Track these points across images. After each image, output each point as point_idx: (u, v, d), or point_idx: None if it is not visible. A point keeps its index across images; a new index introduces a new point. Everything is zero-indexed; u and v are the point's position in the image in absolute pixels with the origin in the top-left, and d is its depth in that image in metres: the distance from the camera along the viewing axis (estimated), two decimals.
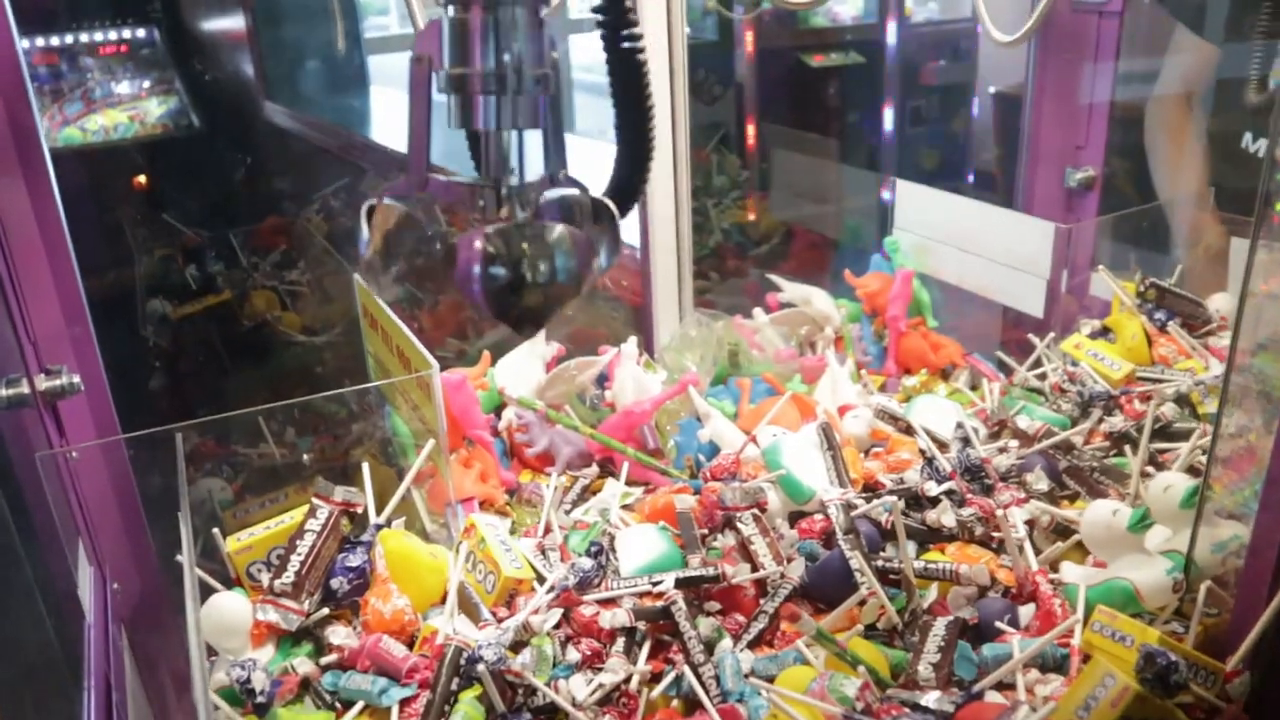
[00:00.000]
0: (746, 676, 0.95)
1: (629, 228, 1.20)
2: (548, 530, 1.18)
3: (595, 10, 0.72)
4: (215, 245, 1.83)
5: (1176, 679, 0.81)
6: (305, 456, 1.29)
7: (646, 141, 0.76)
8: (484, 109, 0.72)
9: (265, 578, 1.03)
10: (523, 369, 1.48)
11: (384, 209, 0.77)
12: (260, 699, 0.92)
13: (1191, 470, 1.16)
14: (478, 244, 0.72)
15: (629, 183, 0.79)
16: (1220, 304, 1.60)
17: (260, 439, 1.32)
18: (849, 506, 1.11)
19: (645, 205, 1.66)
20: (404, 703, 0.92)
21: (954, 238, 1.76)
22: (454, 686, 0.92)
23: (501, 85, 0.71)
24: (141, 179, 2.02)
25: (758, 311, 1.63)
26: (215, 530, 1.06)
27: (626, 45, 0.73)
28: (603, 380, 1.54)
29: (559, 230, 0.74)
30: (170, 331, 1.67)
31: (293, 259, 1.86)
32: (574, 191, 0.77)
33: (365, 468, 1.11)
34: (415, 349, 1.17)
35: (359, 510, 1.08)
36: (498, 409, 1.46)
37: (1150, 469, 1.21)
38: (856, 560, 1.02)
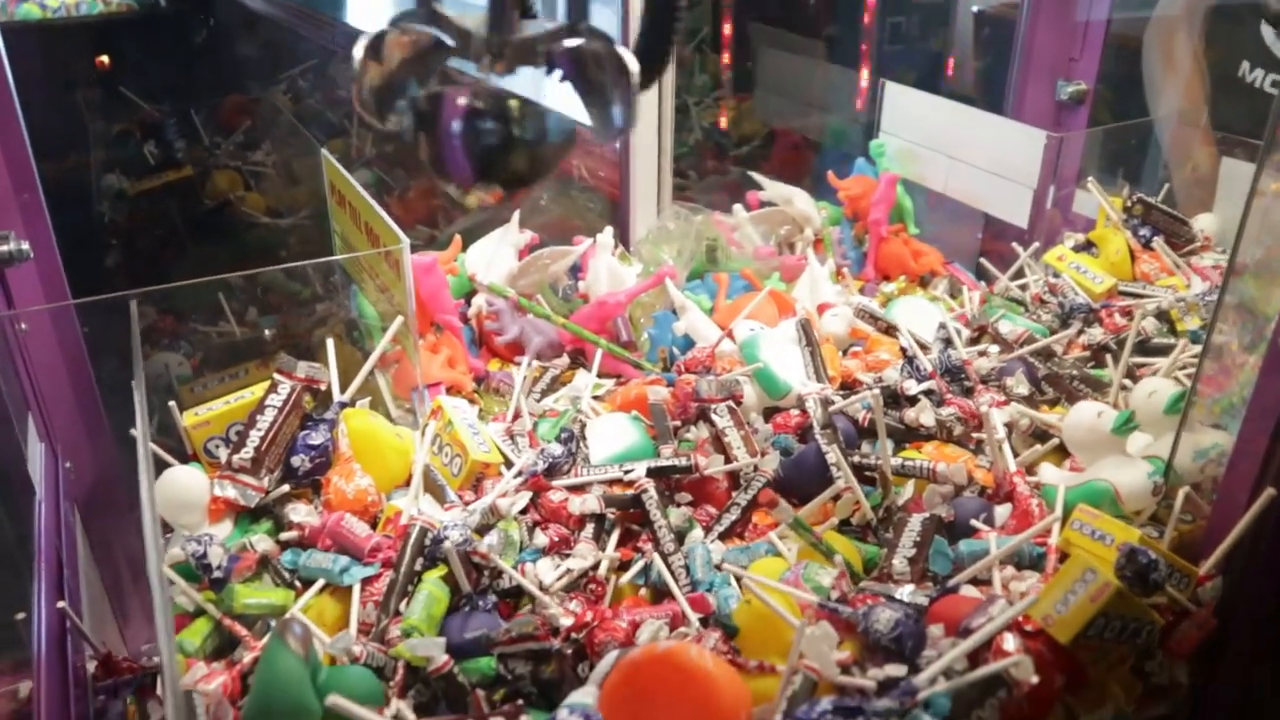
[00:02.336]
0: (717, 567, 0.93)
1: None
2: (516, 416, 1.15)
3: None
4: (176, 122, 1.75)
5: (1155, 578, 0.80)
6: (267, 333, 1.24)
7: (674, 7, 0.69)
8: None
9: (223, 454, 1.00)
10: (494, 256, 1.44)
11: (399, 35, 0.70)
12: (217, 574, 0.89)
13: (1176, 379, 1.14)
14: (461, 100, 0.66)
15: (655, 50, 0.71)
16: (1205, 224, 1.58)
17: (220, 316, 1.27)
18: (827, 402, 1.09)
19: None
20: (366, 582, 0.90)
21: (941, 143, 1.72)
22: (418, 567, 0.89)
23: None
24: (103, 57, 1.93)
25: (737, 208, 1.59)
26: (171, 404, 1.01)
27: None
28: (576, 271, 1.50)
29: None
30: (127, 207, 1.60)
31: (257, 139, 1.79)
32: (589, 42, 0.70)
33: (330, 344, 1.06)
34: (385, 225, 1.12)
35: (322, 387, 1.04)
36: (467, 295, 1.42)
37: (1128, 381, 1.20)
38: (833, 454, 1.00)
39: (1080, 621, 0.75)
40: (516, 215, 1.49)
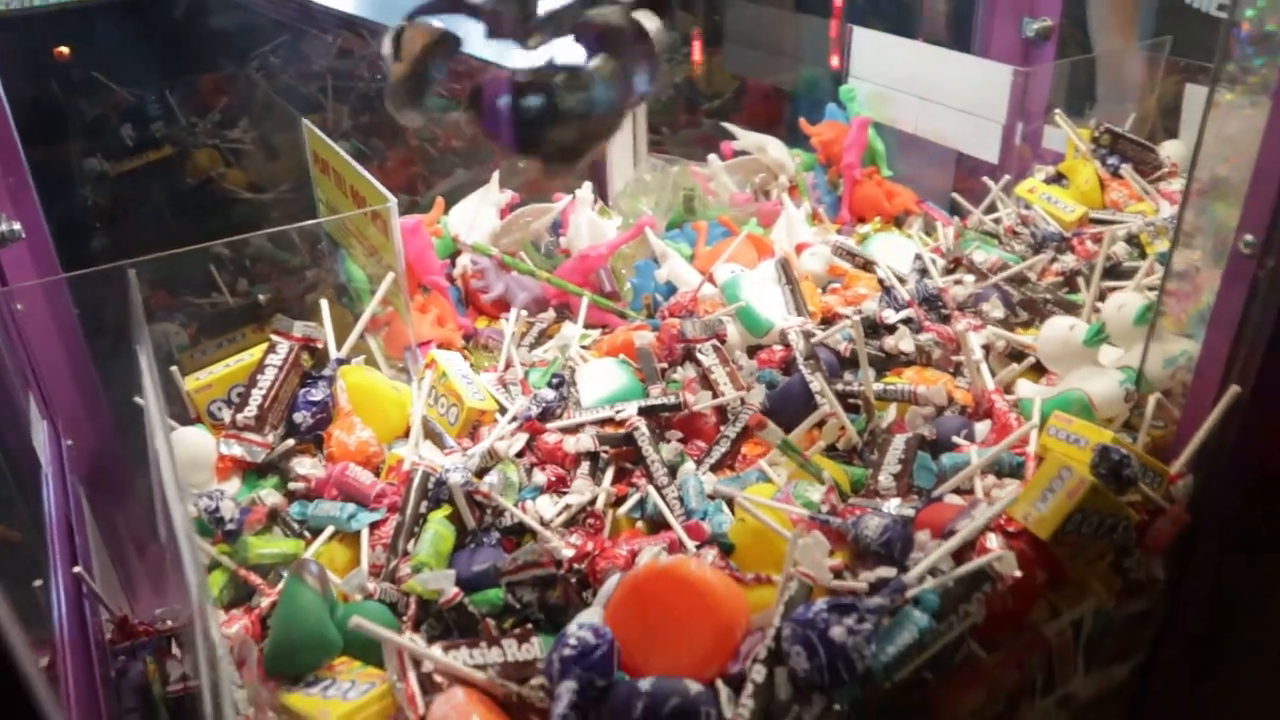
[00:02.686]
0: (710, 497, 0.97)
1: None
2: (508, 366, 1.18)
3: None
4: (152, 104, 1.76)
5: (1129, 473, 0.84)
6: (260, 298, 1.27)
7: None
8: None
9: (227, 415, 1.03)
10: (477, 216, 1.46)
11: (414, 29, 0.72)
12: (230, 526, 0.92)
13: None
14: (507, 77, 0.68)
15: None
16: (1171, 150, 1.61)
17: (213, 288, 1.29)
18: (808, 334, 1.12)
19: None
20: (373, 527, 0.93)
21: (910, 85, 1.75)
22: (422, 509, 0.93)
23: None
24: (71, 44, 1.93)
25: (712, 158, 1.62)
26: (173, 369, 1.04)
27: None
28: (557, 227, 1.52)
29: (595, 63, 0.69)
30: (110, 189, 1.62)
31: (234, 116, 1.81)
32: (609, 11, 0.71)
33: (324, 304, 1.09)
34: (371, 186, 1.15)
35: (319, 345, 1.07)
36: (452, 256, 1.44)
37: (1100, 304, 1.24)
38: (817, 382, 1.04)
39: (1059, 517, 0.79)
40: (496, 176, 1.51)
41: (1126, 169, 1.55)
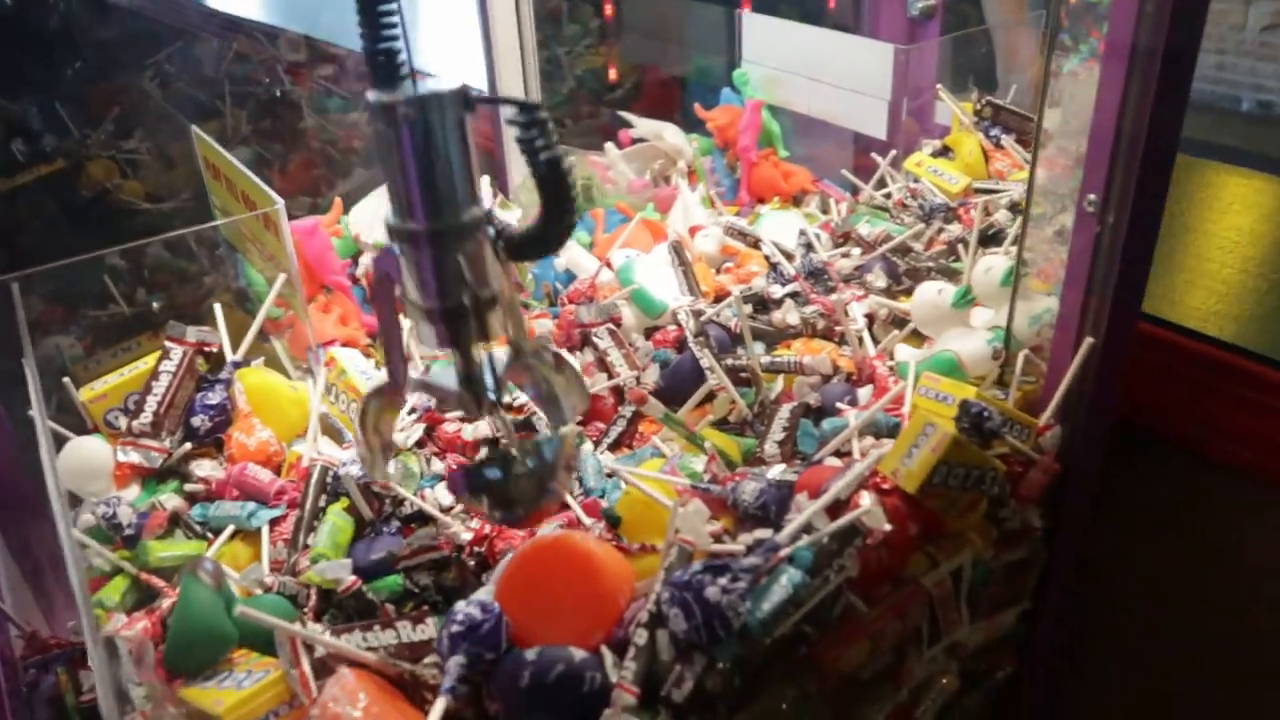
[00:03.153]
0: (609, 476, 1.00)
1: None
2: (407, 360, 1.19)
3: (515, 124, 0.70)
4: (40, 116, 1.74)
5: (990, 426, 0.89)
6: (155, 305, 1.27)
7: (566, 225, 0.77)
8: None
9: (123, 423, 1.03)
10: (377, 215, 1.47)
11: (373, 408, 0.82)
12: (128, 532, 0.93)
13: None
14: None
15: (552, 235, 0.79)
16: (1049, 121, 1.67)
17: (109, 300, 1.29)
18: (698, 313, 1.16)
19: (491, 52, 1.65)
20: (274, 523, 0.95)
21: (801, 67, 1.79)
22: (322, 503, 0.95)
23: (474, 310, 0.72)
24: None
25: (609, 146, 1.64)
26: (65, 380, 1.04)
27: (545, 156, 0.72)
28: None
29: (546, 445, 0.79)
30: (2, 206, 1.60)
31: (129, 126, 1.79)
32: (539, 361, 0.81)
33: (218, 308, 1.10)
34: (258, 188, 1.16)
35: (214, 349, 1.07)
36: (354, 255, 1.45)
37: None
38: (706, 359, 1.07)
39: (924, 471, 0.83)
40: None
41: (1008, 140, 1.61)
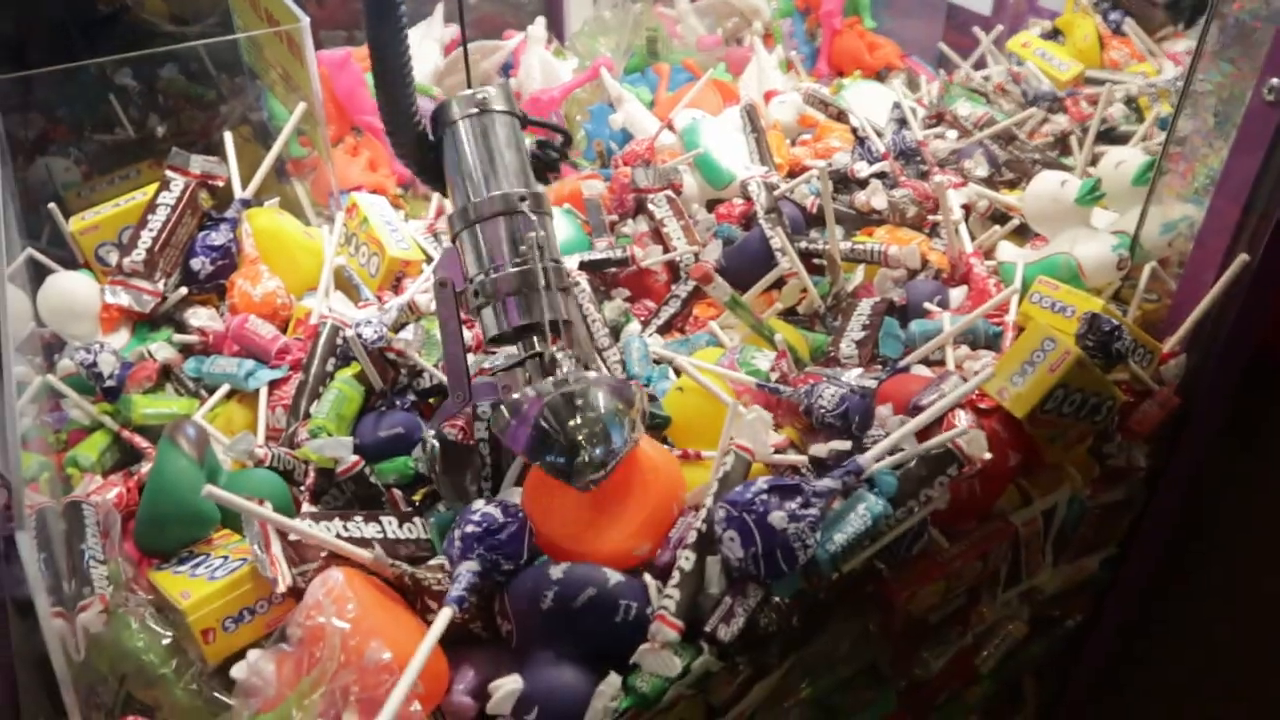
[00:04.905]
0: (656, 362, 0.87)
1: None
2: (439, 214, 1.06)
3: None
4: None
5: (1119, 347, 0.74)
6: (159, 129, 1.13)
7: None
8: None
9: (115, 259, 0.91)
10: (417, 53, 1.31)
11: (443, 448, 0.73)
12: (109, 384, 0.81)
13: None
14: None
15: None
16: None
17: (116, 123, 1.15)
18: (771, 186, 1.01)
19: None
20: (274, 385, 0.83)
21: None
22: (329, 367, 0.82)
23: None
24: None
25: None
26: (52, 206, 0.92)
27: None
28: (508, 68, 1.38)
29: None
30: (10, 13, 1.45)
31: None
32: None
33: (228, 136, 0.96)
34: (283, 5, 1.01)
35: (220, 184, 0.94)
36: None
37: (1092, 169, 1.13)
38: (778, 239, 0.93)
39: (1038, 394, 0.70)
40: (440, 8, 1.36)
41: (1129, 24, 1.42)
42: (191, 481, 0.66)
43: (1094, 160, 1.14)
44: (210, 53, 1.34)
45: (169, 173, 0.92)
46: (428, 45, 1.33)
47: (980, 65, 1.45)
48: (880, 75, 1.52)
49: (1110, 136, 1.21)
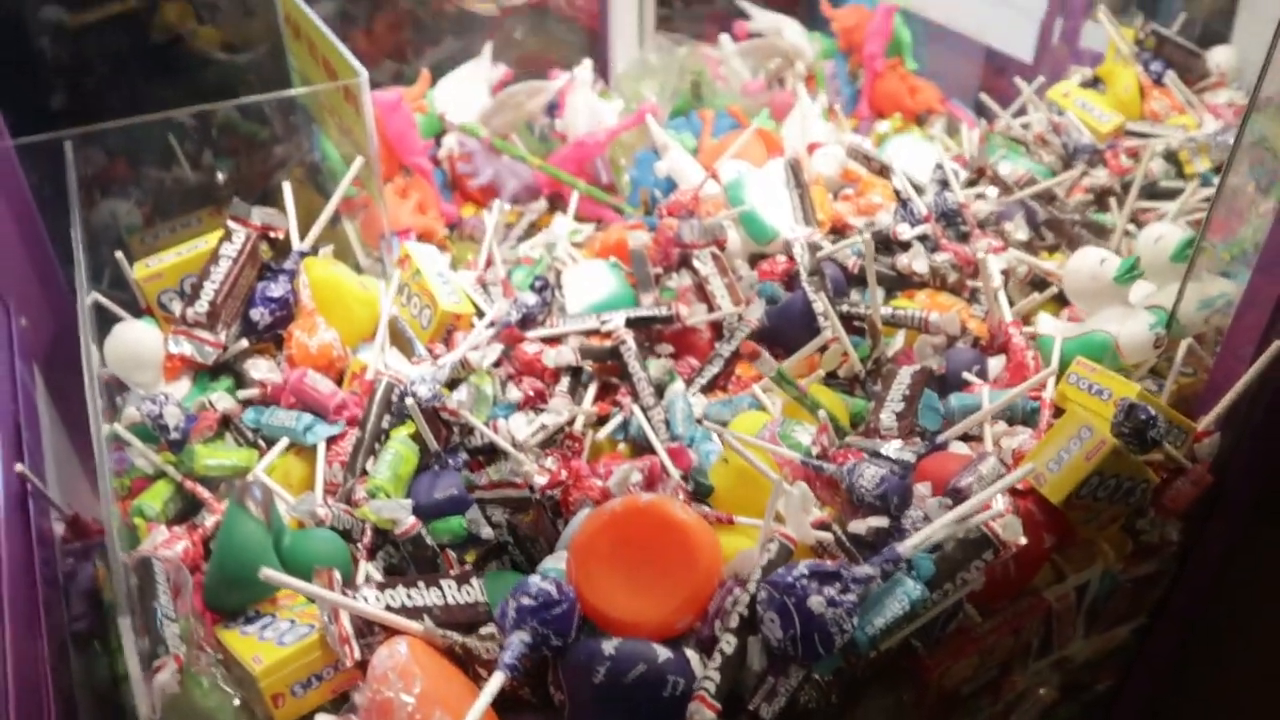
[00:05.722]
0: (698, 422, 0.90)
1: None
2: (489, 264, 1.10)
3: None
4: None
5: (1154, 434, 0.77)
6: (220, 176, 1.17)
7: None
8: None
9: (177, 307, 0.95)
10: (465, 92, 1.36)
11: None
12: (174, 435, 0.85)
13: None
14: None
15: None
16: (1221, 58, 1.48)
17: (173, 161, 1.20)
18: (814, 247, 1.04)
19: None
20: (331, 440, 0.87)
21: None
22: (385, 424, 0.86)
23: None
24: None
25: (724, 38, 1.50)
26: (119, 255, 0.96)
27: None
28: (553, 108, 1.42)
29: None
30: (69, 43, 1.50)
31: None
32: None
33: (286, 187, 1.00)
34: (341, 57, 1.05)
35: (280, 235, 0.98)
36: (438, 135, 1.35)
37: (1132, 226, 1.15)
38: (820, 302, 0.96)
39: (1074, 481, 0.73)
40: (489, 48, 1.40)
41: (1170, 76, 1.44)
42: (260, 544, 0.70)
43: (1134, 216, 1.17)
44: (264, 84, 1.38)
45: (230, 223, 0.96)
46: (476, 86, 1.37)
47: (1020, 113, 1.48)
48: (921, 119, 1.55)
49: (1151, 192, 1.23)
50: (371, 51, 1.57)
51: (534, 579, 0.67)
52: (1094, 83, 1.48)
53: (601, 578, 0.69)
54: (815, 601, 0.63)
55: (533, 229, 1.25)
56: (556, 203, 1.30)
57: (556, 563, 0.73)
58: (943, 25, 1.63)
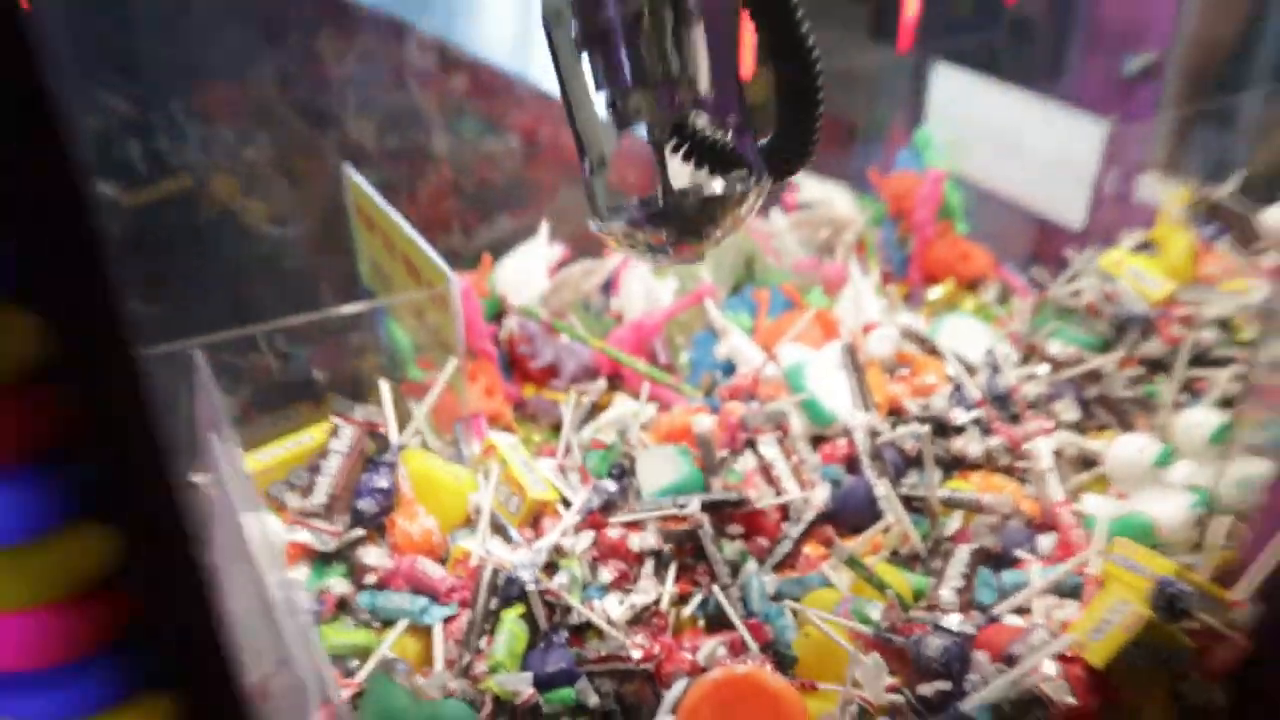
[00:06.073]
0: (773, 599, 1.21)
1: None
2: (567, 451, 1.43)
3: None
4: (157, 119, 1.96)
5: (1181, 606, 1.08)
6: (315, 374, 1.51)
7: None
8: None
9: (288, 498, 1.27)
10: (524, 274, 1.71)
11: None
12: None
13: (1225, 402, 1.42)
14: None
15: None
16: (1276, 217, 1.74)
17: (253, 349, 1.53)
18: (874, 433, 1.37)
19: None
20: (445, 621, 1.18)
21: (989, 133, 1.97)
22: (493, 605, 1.18)
23: None
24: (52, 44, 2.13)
25: (774, 213, 1.85)
26: (238, 450, 1.29)
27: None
28: (608, 287, 1.76)
29: None
30: (122, 222, 1.84)
31: (247, 134, 2.02)
32: None
33: (384, 386, 1.34)
34: (428, 260, 1.39)
35: (382, 430, 1.31)
36: (497, 316, 1.67)
37: (1184, 397, 1.47)
38: (882, 488, 1.29)
39: (1113, 648, 1.04)
40: (545, 227, 1.75)
41: (1223, 242, 1.76)
42: (412, 714, 1.01)
43: (1187, 384, 1.48)
44: (321, 263, 1.73)
45: (336, 420, 1.30)
46: (534, 266, 1.72)
47: (1072, 278, 1.80)
48: (973, 284, 1.89)
49: (1204, 360, 1.55)
50: (418, 221, 1.92)
51: None
52: (1144, 246, 1.81)
53: None
54: None
55: (595, 410, 1.58)
56: (615, 383, 1.63)
57: None
58: (990, 189, 1.98)
